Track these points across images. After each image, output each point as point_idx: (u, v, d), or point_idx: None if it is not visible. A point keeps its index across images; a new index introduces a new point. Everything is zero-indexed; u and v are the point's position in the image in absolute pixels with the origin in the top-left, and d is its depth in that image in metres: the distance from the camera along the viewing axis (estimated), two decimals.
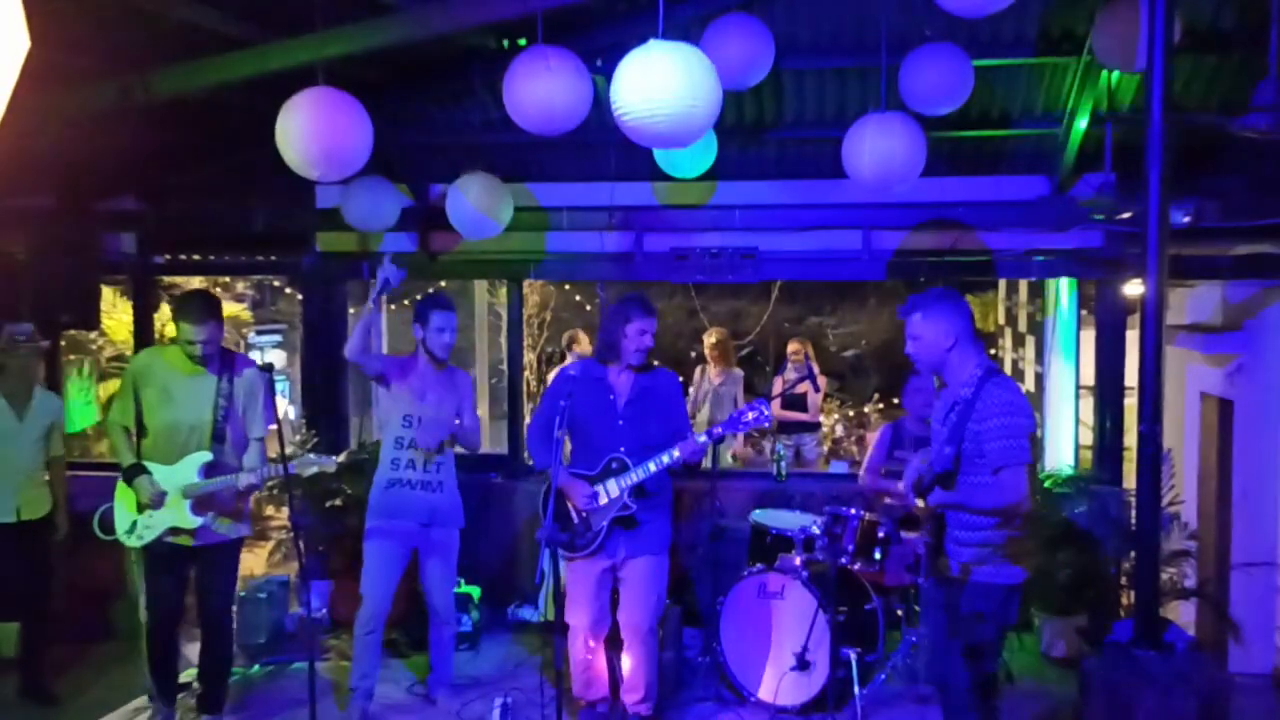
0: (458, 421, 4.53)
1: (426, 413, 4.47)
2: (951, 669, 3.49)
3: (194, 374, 4.20)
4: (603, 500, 4.18)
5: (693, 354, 10.14)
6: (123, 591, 5.33)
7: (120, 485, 4.23)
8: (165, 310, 7.02)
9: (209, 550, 4.25)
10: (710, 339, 8.10)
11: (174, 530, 4.17)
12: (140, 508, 4.16)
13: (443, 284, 10.91)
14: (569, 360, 7.47)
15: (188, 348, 4.13)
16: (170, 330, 7.05)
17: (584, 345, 7.84)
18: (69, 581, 5.53)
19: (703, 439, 4.11)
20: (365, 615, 4.45)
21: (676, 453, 4.07)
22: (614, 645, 4.45)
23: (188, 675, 4.67)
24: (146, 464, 4.17)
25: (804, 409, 7.76)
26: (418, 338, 4.52)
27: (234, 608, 4.68)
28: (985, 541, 3.34)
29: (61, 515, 4.82)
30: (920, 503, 3.46)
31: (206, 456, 4.16)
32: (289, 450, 4.14)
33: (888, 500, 4.97)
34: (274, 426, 4.11)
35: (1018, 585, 3.38)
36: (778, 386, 7.49)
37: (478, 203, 5.07)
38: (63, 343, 6.82)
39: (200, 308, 4.14)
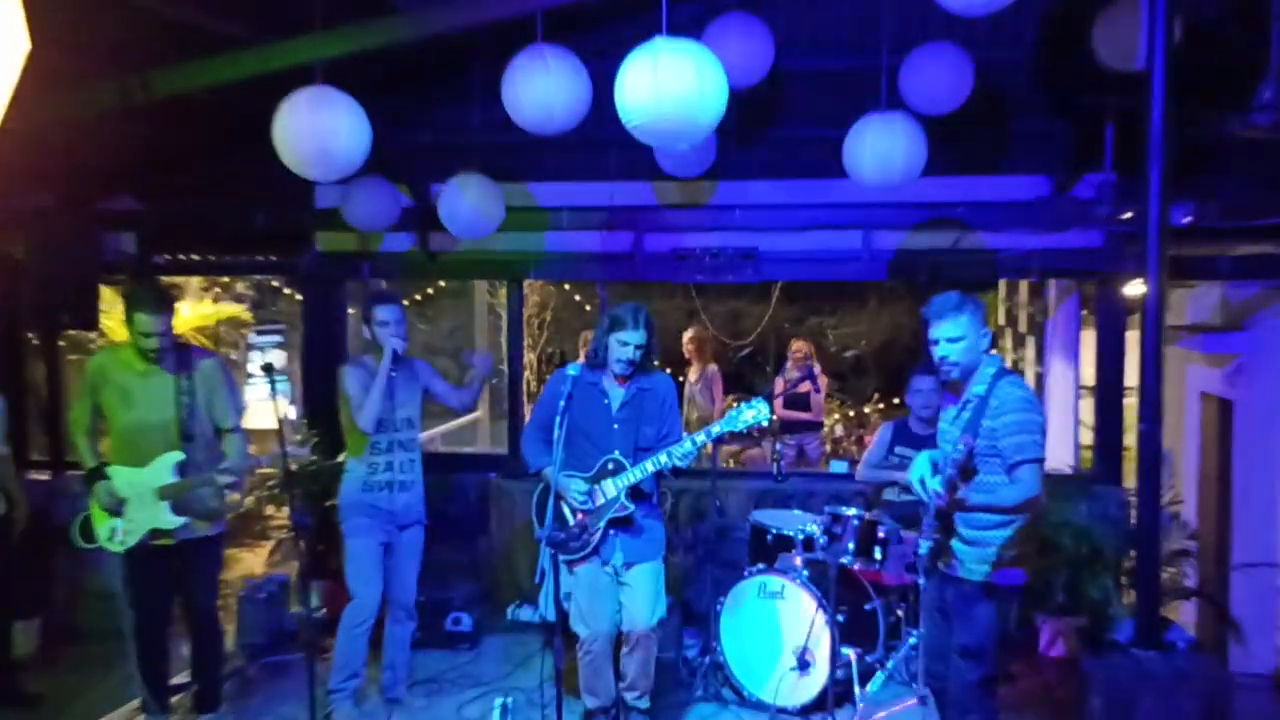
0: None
1: (399, 413, 4.44)
2: (951, 670, 3.49)
3: (151, 373, 4.11)
4: (599, 501, 4.18)
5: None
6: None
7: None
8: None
9: (189, 547, 4.19)
10: (687, 335, 8.12)
11: (155, 533, 4.11)
12: (113, 513, 4.11)
13: (442, 284, 10.93)
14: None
15: (144, 341, 4.01)
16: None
17: None
18: (68, 581, 5.56)
19: (701, 438, 4.10)
20: (357, 611, 4.40)
21: (677, 453, 4.06)
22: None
23: (182, 677, 4.65)
24: (118, 468, 4.12)
25: (807, 408, 7.76)
26: (367, 338, 4.43)
27: (220, 603, 4.58)
28: (990, 543, 3.35)
29: (20, 510, 4.68)
30: (948, 501, 3.35)
31: (179, 456, 4.08)
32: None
33: (885, 496, 4.96)
34: (274, 427, 4.08)
35: (1017, 587, 3.38)
36: (779, 386, 7.49)
37: (470, 203, 5.06)
38: (62, 343, 6.82)
39: (156, 297, 4.05)
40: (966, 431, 3.31)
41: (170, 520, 4.08)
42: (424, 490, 4.62)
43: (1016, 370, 8.02)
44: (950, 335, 3.41)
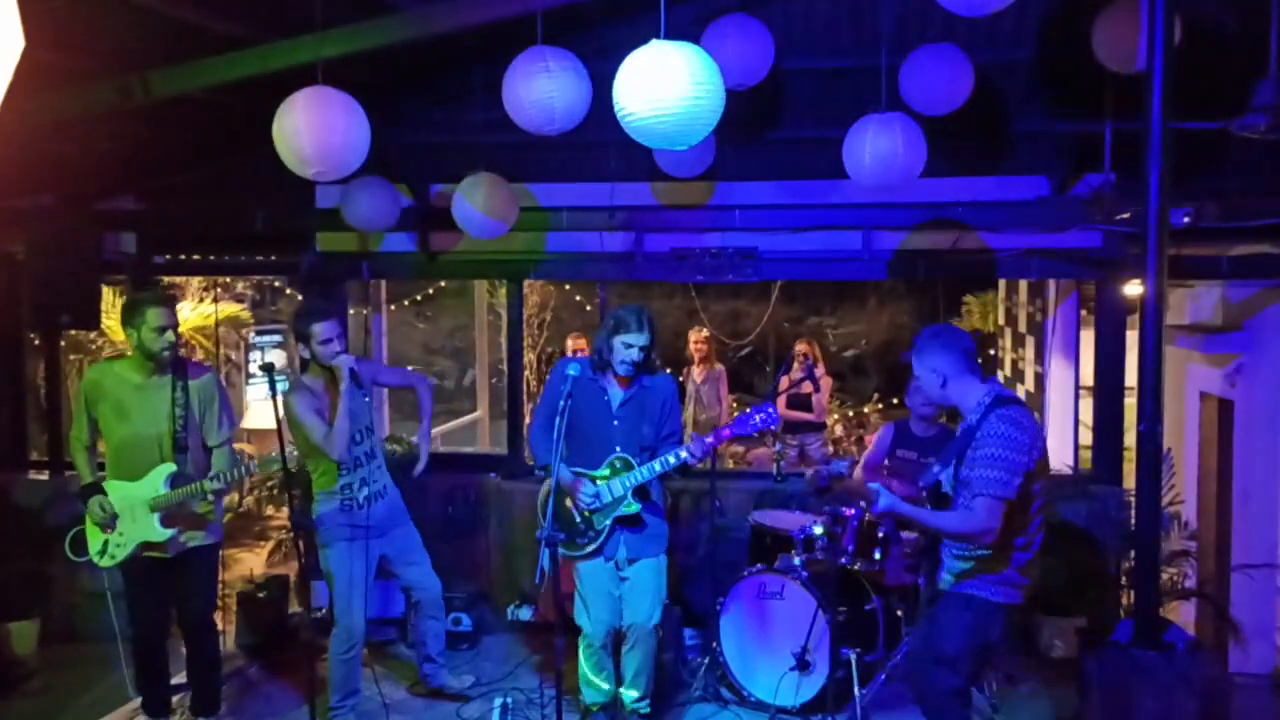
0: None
1: (359, 424, 4.35)
2: (926, 675, 3.48)
3: (147, 385, 4.10)
4: (606, 500, 4.19)
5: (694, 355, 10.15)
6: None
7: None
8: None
9: (185, 559, 4.19)
10: (696, 336, 8.13)
11: (146, 545, 4.10)
12: (105, 528, 4.11)
13: (442, 284, 10.94)
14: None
15: (158, 339, 4.00)
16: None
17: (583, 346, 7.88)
18: (67, 581, 5.56)
19: (710, 440, 4.11)
20: (344, 636, 4.35)
21: (684, 453, 4.07)
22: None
23: (182, 677, 4.64)
24: (112, 482, 4.12)
25: (809, 409, 7.76)
26: (305, 357, 4.31)
27: (217, 610, 4.56)
28: (979, 558, 3.34)
29: None
30: (816, 496, 3.49)
31: (171, 468, 4.08)
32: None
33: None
34: (273, 427, 4.07)
35: (1003, 605, 3.35)
36: (783, 385, 7.49)
37: (484, 203, 5.06)
38: (63, 343, 6.82)
39: (161, 294, 4.13)
40: (946, 458, 3.36)
41: (160, 533, 4.07)
42: (399, 490, 4.59)
43: (1017, 371, 8.03)
44: (915, 374, 3.54)
